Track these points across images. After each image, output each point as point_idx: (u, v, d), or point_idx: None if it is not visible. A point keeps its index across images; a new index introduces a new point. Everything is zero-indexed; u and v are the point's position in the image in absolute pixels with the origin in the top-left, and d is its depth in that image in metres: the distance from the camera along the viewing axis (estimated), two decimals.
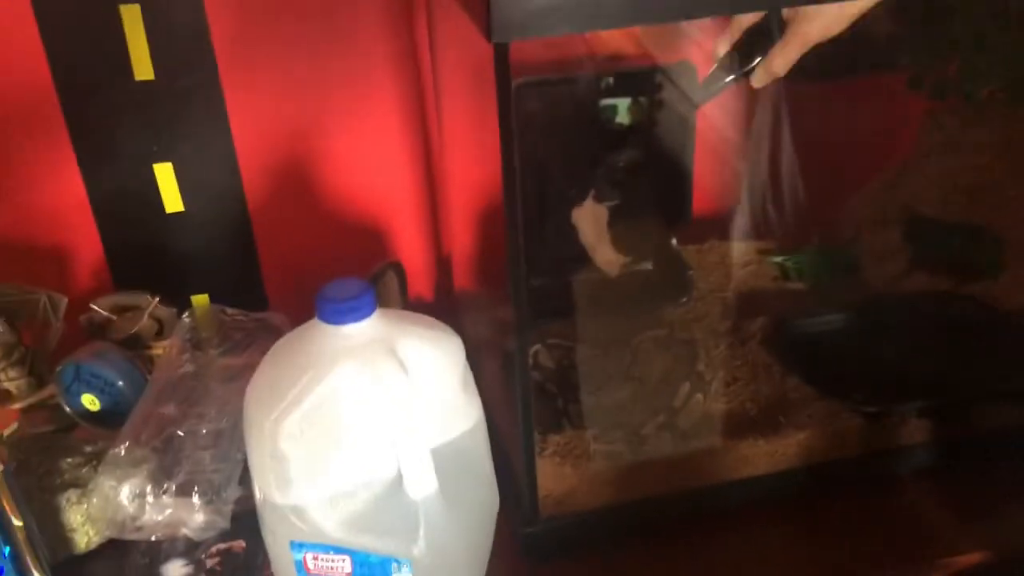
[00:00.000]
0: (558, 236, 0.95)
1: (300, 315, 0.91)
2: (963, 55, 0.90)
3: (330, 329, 0.62)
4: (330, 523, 0.63)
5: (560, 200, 0.94)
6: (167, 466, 0.72)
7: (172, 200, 1.01)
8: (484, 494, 0.71)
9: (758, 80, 0.78)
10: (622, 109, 0.90)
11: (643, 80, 0.90)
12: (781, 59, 0.75)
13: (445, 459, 0.65)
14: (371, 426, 0.62)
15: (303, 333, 0.64)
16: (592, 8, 0.54)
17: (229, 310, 0.89)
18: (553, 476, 0.73)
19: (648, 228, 0.96)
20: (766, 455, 0.76)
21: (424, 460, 0.63)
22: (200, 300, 1.05)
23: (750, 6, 0.67)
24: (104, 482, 0.71)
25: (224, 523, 0.72)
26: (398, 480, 0.62)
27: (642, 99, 0.90)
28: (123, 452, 0.71)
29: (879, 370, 0.82)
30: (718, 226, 1.04)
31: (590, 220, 0.89)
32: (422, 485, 0.63)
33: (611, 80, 0.89)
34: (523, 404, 0.68)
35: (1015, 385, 0.81)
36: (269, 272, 1.06)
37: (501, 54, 0.56)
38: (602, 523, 0.74)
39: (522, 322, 0.66)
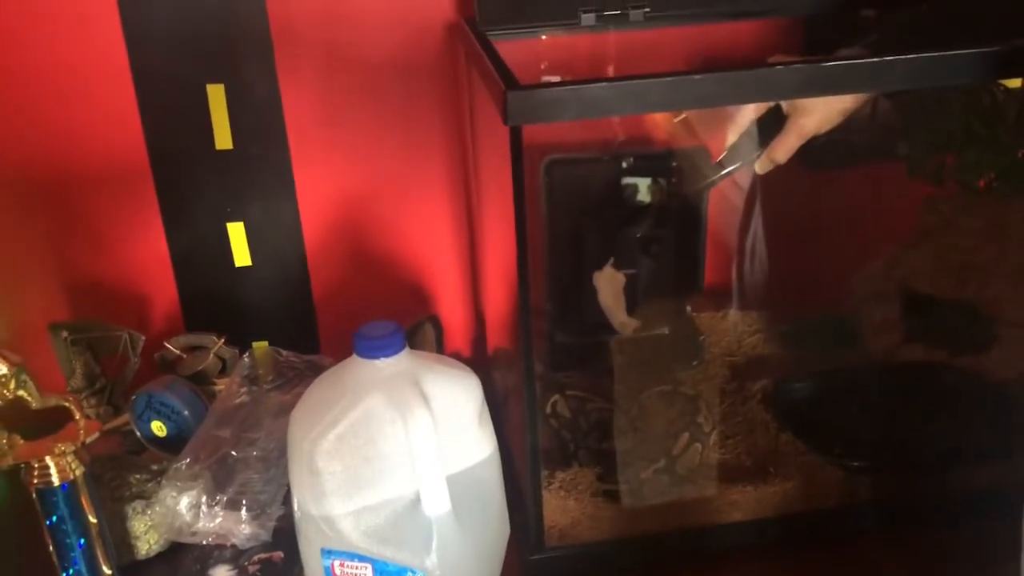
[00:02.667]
0: (583, 300, 1.05)
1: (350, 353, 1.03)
2: (958, 147, 0.99)
3: (364, 363, 0.73)
4: (355, 533, 0.72)
5: (585, 266, 1.04)
6: (221, 482, 0.83)
7: (241, 255, 1.13)
8: (495, 520, 0.79)
9: (761, 167, 0.88)
10: (643, 187, 1.00)
11: (661, 161, 1.00)
12: (782, 148, 0.85)
13: (460, 485, 0.74)
14: (395, 449, 0.71)
15: (341, 367, 0.75)
16: (591, 101, 0.65)
17: (283, 352, 1.00)
18: (559, 509, 0.81)
19: (666, 296, 1.05)
20: (755, 501, 0.83)
21: (440, 482, 0.72)
22: (260, 346, 1.17)
23: (731, 100, 0.76)
24: (166, 493, 0.81)
25: (267, 536, 0.81)
26: (417, 499, 0.72)
27: (661, 180, 1.00)
28: (184, 467, 0.82)
29: (865, 430, 0.89)
30: (732, 297, 1.13)
31: (608, 284, 0.99)
32: (437, 504, 0.72)
33: (632, 160, 0.99)
34: (531, 439, 0.77)
35: (990, 449, 0.87)
36: (324, 321, 1.18)
37: (515, 136, 0.67)
38: (602, 556, 0.82)
39: (530, 369, 0.76)
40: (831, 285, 1.09)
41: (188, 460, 0.83)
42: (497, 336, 1.16)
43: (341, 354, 1.11)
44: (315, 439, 0.71)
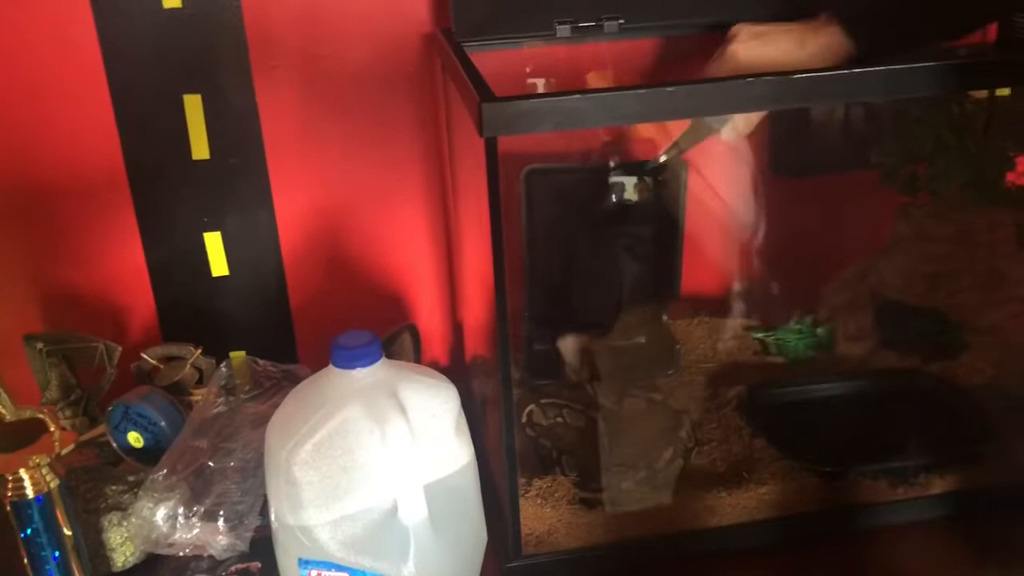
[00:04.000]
0: (561, 307, 1.06)
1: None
2: (929, 156, 1.01)
3: (341, 373, 0.73)
4: (333, 543, 0.72)
5: (564, 274, 1.05)
6: (198, 493, 0.83)
7: (219, 265, 1.13)
8: (472, 527, 0.80)
9: (726, 133, 0.88)
10: (629, 186, 1.01)
11: (642, 169, 1.01)
12: (744, 120, 0.85)
13: (437, 493, 0.74)
14: (373, 459, 0.71)
15: (318, 377, 0.75)
16: (566, 112, 0.65)
17: (260, 361, 1.00)
18: (536, 516, 0.82)
19: (644, 303, 1.06)
20: (730, 507, 0.84)
21: (417, 492, 0.72)
22: (238, 355, 1.17)
23: (704, 111, 0.78)
24: (142, 504, 0.81)
25: (244, 546, 0.81)
26: (394, 508, 0.72)
27: (647, 179, 1.01)
28: (161, 478, 0.82)
29: (837, 435, 0.90)
30: (708, 303, 1.14)
31: (572, 350, 1.01)
32: (414, 513, 0.72)
33: (612, 169, 1.00)
34: (507, 446, 0.77)
35: (962, 452, 0.89)
36: (301, 331, 1.18)
37: (490, 147, 0.67)
38: (580, 563, 0.82)
39: (507, 376, 0.76)
40: (805, 292, 1.10)
41: (165, 471, 0.83)
42: (475, 344, 1.17)
43: (319, 363, 1.10)
44: (292, 449, 0.71)
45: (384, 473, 0.72)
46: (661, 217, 1.02)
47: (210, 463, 0.84)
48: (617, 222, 1.02)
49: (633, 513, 0.84)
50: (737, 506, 0.84)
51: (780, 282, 1.11)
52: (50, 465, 0.72)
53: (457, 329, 1.21)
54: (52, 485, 0.72)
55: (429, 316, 1.20)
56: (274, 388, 0.97)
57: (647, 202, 1.02)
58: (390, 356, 0.77)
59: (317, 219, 1.14)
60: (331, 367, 0.74)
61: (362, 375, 0.73)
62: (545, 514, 0.82)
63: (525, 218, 0.99)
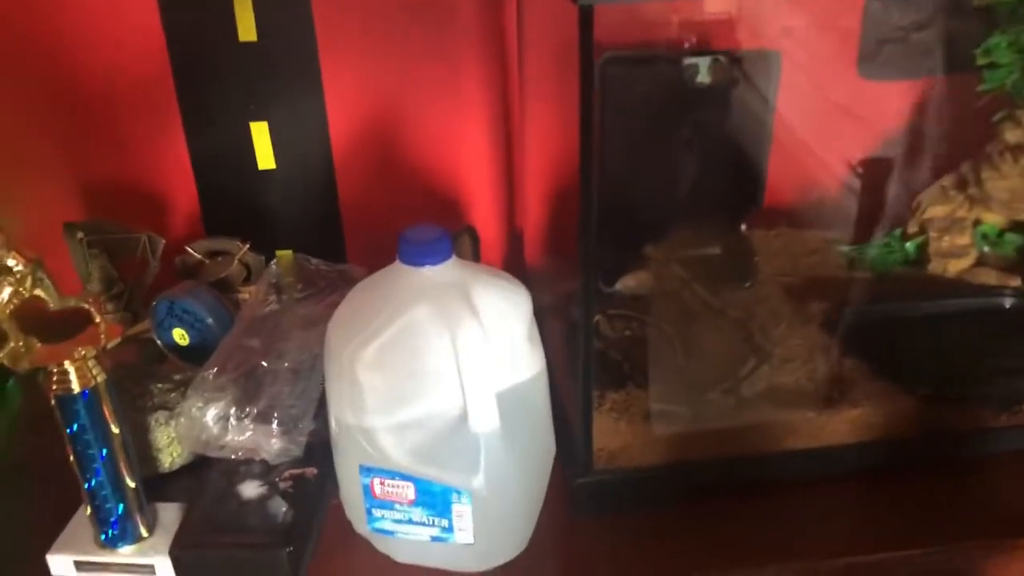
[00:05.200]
0: (634, 210, 0.98)
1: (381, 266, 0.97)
2: None
3: (409, 270, 0.67)
4: (398, 451, 0.67)
5: (638, 173, 0.97)
6: (250, 393, 0.78)
7: (265, 157, 1.07)
8: (541, 440, 0.75)
9: None
10: (703, 68, 0.92)
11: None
12: None
13: (507, 402, 0.69)
14: (442, 363, 0.66)
15: (384, 274, 0.69)
16: None
17: (313, 260, 0.94)
18: (608, 432, 0.76)
19: (718, 213, 0.99)
20: (818, 429, 0.78)
21: (488, 399, 0.67)
22: (284, 255, 1.11)
23: None
24: (191, 404, 0.76)
25: (298, 451, 0.77)
26: (463, 416, 0.67)
27: (722, 58, 0.92)
28: (211, 377, 0.77)
29: (934, 357, 0.83)
30: (788, 213, 1.06)
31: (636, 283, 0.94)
32: (485, 421, 0.67)
33: (697, 63, 0.91)
34: (584, 354, 0.71)
35: None
36: (350, 230, 1.11)
37: (586, 17, 0.59)
38: (653, 482, 0.77)
39: (588, 273, 0.69)
40: (895, 204, 1.02)
41: (215, 370, 0.78)
42: (537, 249, 1.10)
43: (369, 264, 1.05)
44: (356, 350, 0.66)
45: (454, 379, 0.66)
46: (746, 112, 0.93)
47: (263, 363, 0.79)
48: (696, 117, 0.94)
49: (713, 431, 0.78)
50: (825, 428, 0.78)
51: (868, 193, 1.03)
52: (96, 358, 0.67)
53: (514, 234, 1.15)
54: (99, 379, 0.67)
55: (485, 219, 1.14)
56: (328, 288, 0.91)
57: (729, 94, 0.93)
58: None
59: (369, 111, 1.06)
60: (398, 263, 0.68)
61: (432, 273, 0.67)
62: (619, 429, 0.76)
63: (600, 112, 0.90)
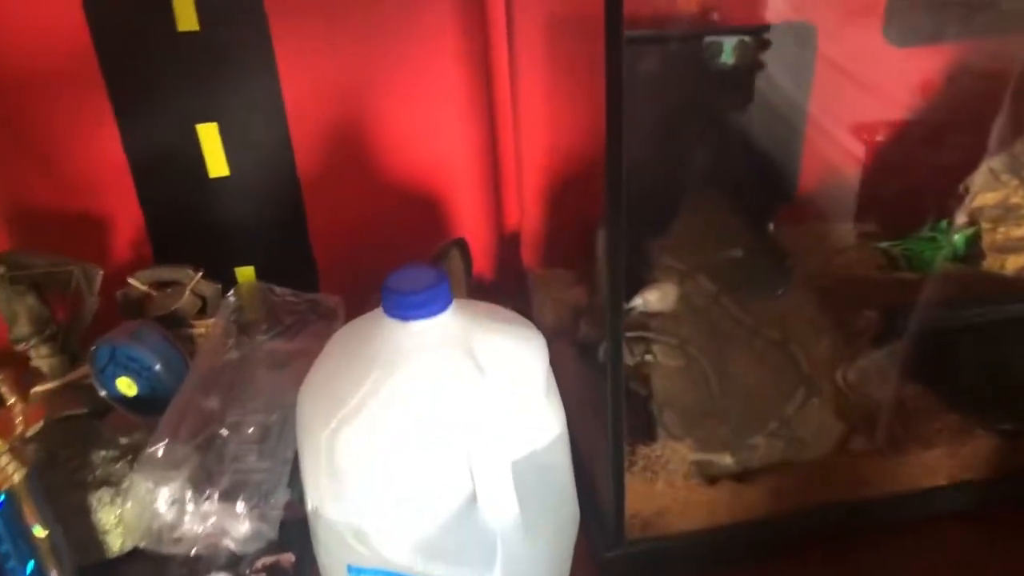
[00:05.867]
0: (651, 208, 0.85)
1: (353, 290, 0.83)
2: None
3: (397, 325, 0.54)
4: (394, 548, 0.55)
5: (657, 164, 0.84)
6: (209, 467, 0.65)
7: (217, 163, 0.92)
8: (565, 514, 0.62)
9: None
10: (727, 48, 0.79)
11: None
12: None
13: (524, 475, 0.56)
14: (443, 438, 0.53)
15: (366, 327, 0.56)
16: None
17: (278, 289, 0.81)
18: (641, 495, 0.64)
19: (746, 210, 0.86)
20: (887, 473, 0.67)
21: (504, 479, 0.54)
22: (245, 272, 0.98)
23: None
24: (140, 484, 0.63)
25: (272, 533, 0.64)
26: (472, 501, 0.54)
27: (748, 39, 0.79)
28: (161, 452, 0.64)
29: (1014, 377, 0.72)
30: (817, 206, 0.93)
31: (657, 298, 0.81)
32: (501, 508, 0.54)
33: (722, 42, 0.78)
34: (613, 409, 0.59)
35: None
36: (319, 243, 0.98)
37: None
38: (696, 548, 0.65)
39: (616, 307, 0.56)
40: (938, 191, 0.90)
41: (166, 442, 0.64)
42: (535, 255, 0.97)
43: (343, 281, 0.92)
44: (336, 430, 0.53)
45: (460, 458, 0.53)
46: (778, 94, 0.80)
47: (222, 432, 0.66)
48: (721, 102, 0.81)
49: (763, 482, 0.66)
50: (899, 472, 0.66)
51: (907, 178, 0.90)
52: (12, 452, 0.54)
53: (504, 238, 1.02)
54: (17, 478, 0.54)
55: (472, 223, 1.00)
56: (297, 324, 0.78)
57: (754, 76, 0.80)
58: None
59: (334, 106, 0.92)
60: (382, 316, 0.54)
61: (426, 328, 0.54)
62: (655, 491, 0.64)
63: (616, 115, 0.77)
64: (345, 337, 0.57)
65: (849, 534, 0.66)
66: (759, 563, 0.65)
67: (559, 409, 0.60)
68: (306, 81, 0.90)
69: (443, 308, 0.54)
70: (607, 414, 0.59)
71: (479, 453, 0.53)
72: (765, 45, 0.77)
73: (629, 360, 0.79)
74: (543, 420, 0.58)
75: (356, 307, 0.88)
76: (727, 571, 0.65)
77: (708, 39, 0.76)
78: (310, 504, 0.57)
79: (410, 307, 0.53)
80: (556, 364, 0.60)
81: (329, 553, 0.57)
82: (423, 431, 0.53)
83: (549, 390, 0.59)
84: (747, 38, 0.78)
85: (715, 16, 0.79)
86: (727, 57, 0.77)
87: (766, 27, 0.76)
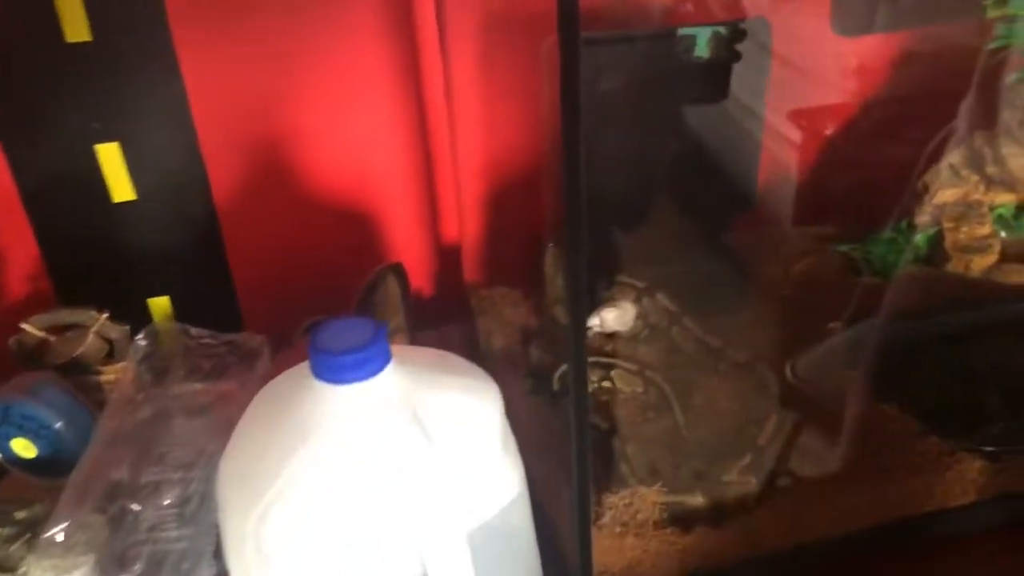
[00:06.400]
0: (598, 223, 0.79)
1: (281, 318, 0.76)
2: None
3: (328, 389, 0.46)
4: None
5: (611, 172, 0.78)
6: (122, 545, 0.57)
7: (121, 187, 0.83)
8: (526, 572, 0.56)
9: None
10: (701, 41, 0.73)
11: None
12: None
13: (482, 545, 0.50)
14: (387, 517, 0.46)
15: (292, 389, 0.48)
16: None
17: (194, 330, 0.72)
18: (610, 549, 0.58)
19: (701, 218, 0.81)
20: (869, 506, 0.62)
21: (459, 558, 0.47)
22: (159, 304, 0.89)
23: None
24: (36, 574, 0.55)
25: None
26: None
27: (723, 30, 0.73)
28: (61, 537, 0.55)
29: (993, 392, 0.68)
30: (772, 208, 0.88)
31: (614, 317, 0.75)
32: None
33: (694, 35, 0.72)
34: (578, 457, 0.52)
35: None
36: (241, 269, 0.89)
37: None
38: None
39: (579, 334, 0.50)
40: (896, 188, 0.85)
41: (66, 525, 0.56)
42: (480, 273, 0.90)
43: (267, 309, 0.84)
44: (262, 516, 0.45)
45: (406, 537, 0.47)
46: (732, 95, 0.75)
47: (133, 506, 0.57)
48: (675, 104, 0.75)
49: (741, 520, 0.60)
50: (883, 503, 0.62)
51: (866, 177, 0.86)
52: None
53: (445, 256, 0.94)
54: None
55: (408, 242, 0.93)
56: (217, 368, 0.70)
57: (715, 75, 0.75)
58: (372, 308, 0.50)
59: (250, 119, 0.84)
60: (310, 374, 0.47)
61: (361, 390, 0.46)
62: (625, 546, 0.58)
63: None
64: (269, 400, 0.49)
65: (840, 570, 0.61)
66: None
67: (517, 463, 0.54)
68: (216, 93, 0.81)
69: (381, 367, 0.47)
70: (571, 466, 0.53)
71: (430, 532, 0.47)
72: (740, 36, 0.71)
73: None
74: (501, 481, 0.52)
75: (284, 337, 0.81)
76: None
77: (681, 32, 0.70)
78: None
79: (342, 369, 0.46)
80: (507, 398, 0.53)
81: None
82: (363, 511, 0.46)
83: (506, 445, 0.53)
84: (722, 29, 0.72)
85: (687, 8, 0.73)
86: (701, 51, 0.71)
87: (722, 23, 0.70)
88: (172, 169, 0.84)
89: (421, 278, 0.95)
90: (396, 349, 0.49)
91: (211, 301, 0.90)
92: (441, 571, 0.47)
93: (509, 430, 0.54)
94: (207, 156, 0.84)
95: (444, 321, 0.89)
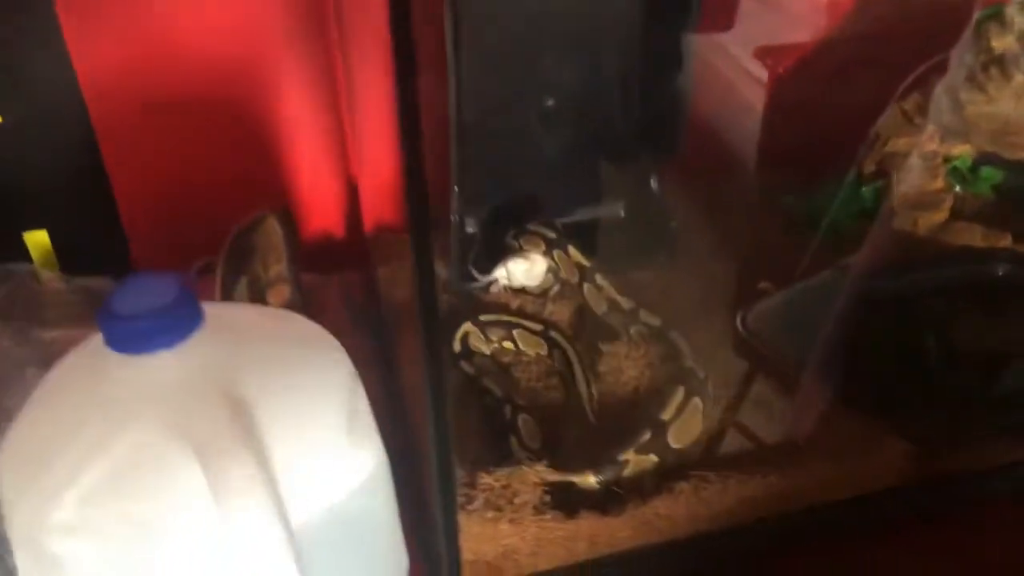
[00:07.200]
0: (510, 171, 0.72)
1: (172, 266, 0.69)
2: None
3: (124, 360, 0.39)
4: None
5: (513, 122, 0.70)
6: None
7: None
8: (382, 560, 0.50)
9: None
10: None
11: None
12: None
13: (319, 533, 0.43)
14: (196, 510, 0.39)
15: (85, 362, 0.41)
16: None
17: (45, 274, 0.65)
18: (482, 536, 0.52)
19: (623, 162, 0.73)
20: (778, 496, 0.56)
21: (283, 557, 0.41)
22: (37, 237, 0.81)
23: None
24: None
25: None
26: None
27: None
28: None
29: (925, 372, 0.61)
30: (706, 154, 0.81)
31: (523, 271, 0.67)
32: None
33: None
34: (439, 450, 0.46)
35: None
36: (127, 207, 0.81)
37: None
38: None
39: (432, 334, 0.43)
40: (845, 137, 0.78)
41: None
42: (379, 213, 0.82)
43: (157, 252, 0.78)
44: (46, 507, 0.38)
45: (221, 530, 0.40)
46: (657, 20, 0.66)
47: None
48: (590, 34, 0.67)
49: (635, 505, 0.54)
50: (798, 491, 0.56)
51: (813, 121, 0.78)
52: None
53: (351, 190, 0.86)
54: None
55: (312, 173, 0.85)
56: (71, 316, 0.62)
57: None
58: (245, 257, 0.43)
59: (128, 35, 0.75)
60: (104, 348, 0.39)
61: (164, 362, 0.39)
62: (499, 532, 0.52)
63: (452, 40, 0.62)
64: (60, 380, 0.42)
65: (732, 567, 0.55)
66: None
67: (371, 442, 0.47)
68: (91, 7, 0.72)
69: (187, 333, 0.39)
70: (431, 440, 0.46)
71: (247, 526, 0.40)
72: None
73: (485, 348, 0.66)
74: (345, 461, 0.45)
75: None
76: None
77: None
78: None
79: (138, 336, 0.38)
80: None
81: None
82: (167, 501, 0.39)
83: (355, 422, 0.46)
84: None
85: None
86: None
87: None
88: (44, 91, 0.75)
89: (328, 219, 0.87)
90: (215, 311, 0.41)
91: (95, 238, 0.83)
92: (259, 561, 0.40)
93: (364, 405, 0.47)
94: (81, 72, 0.75)
95: (350, 269, 0.82)
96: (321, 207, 0.85)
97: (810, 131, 0.77)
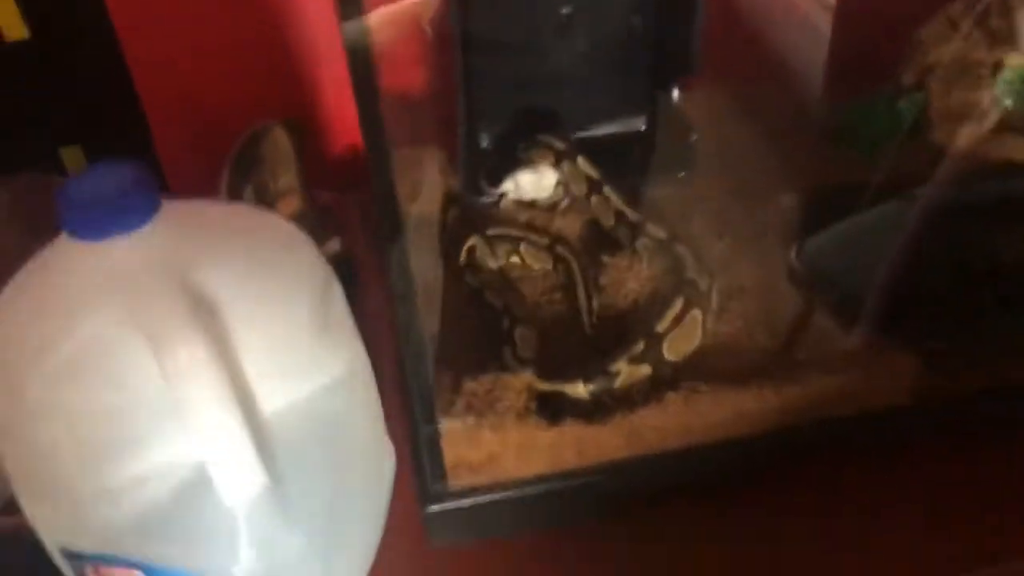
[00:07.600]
0: (518, 68, 0.70)
1: (205, 183, 0.70)
2: None
3: (84, 248, 0.39)
4: (112, 525, 0.43)
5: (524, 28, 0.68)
6: None
7: (12, 24, 0.76)
8: (363, 468, 0.50)
9: None
10: None
11: None
12: None
13: (292, 431, 0.44)
14: (157, 397, 0.40)
15: (52, 253, 0.42)
16: None
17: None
18: (464, 440, 0.52)
19: (644, 71, 0.70)
20: (776, 411, 0.54)
21: (241, 446, 0.41)
22: (72, 153, 0.83)
23: None
24: None
25: None
26: (203, 474, 0.41)
27: None
28: None
29: (942, 288, 0.58)
30: (727, 67, 0.77)
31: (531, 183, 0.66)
32: (240, 484, 0.42)
33: None
34: (407, 346, 0.45)
35: None
36: (159, 123, 0.82)
37: None
38: (541, 497, 0.53)
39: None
40: (882, 50, 0.73)
41: None
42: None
43: (190, 170, 0.79)
44: (18, 385, 0.40)
45: (182, 414, 0.40)
46: None
47: None
48: None
49: (625, 423, 0.53)
50: (790, 407, 0.54)
51: (846, 29, 0.74)
52: None
53: None
54: None
55: (338, 85, 0.84)
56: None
57: None
58: (252, 163, 0.43)
59: None
60: (65, 237, 0.40)
61: (122, 249, 0.40)
62: (481, 438, 0.52)
63: None
64: (30, 269, 0.43)
65: (720, 486, 0.54)
66: (606, 517, 0.53)
67: (348, 343, 0.47)
68: None
69: (143, 220, 0.39)
70: (401, 340, 0.46)
71: (205, 415, 0.40)
72: None
73: (492, 264, 0.66)
74: (316, 359, 0.45)
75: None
76: (571, 525, 0.53)
77: None
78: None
79: (93, 221, 0.39)
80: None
81: (39, 528, 0.45)
82: (129, 388, 0.40)
83: (328, 322, 0.46)
84: None
85: None
86: None
87: None
88: (68, 4, 0.76)
89: (352, 135, 0.86)
90: (177, 203, 0.41)
91: (128, 153, 0.84)
92: (221, 465, 0.41)
93: (340, 307, 0.47)
94: None
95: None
96: (344, 123, 0.85)
97: (848, 39, 0.73)
